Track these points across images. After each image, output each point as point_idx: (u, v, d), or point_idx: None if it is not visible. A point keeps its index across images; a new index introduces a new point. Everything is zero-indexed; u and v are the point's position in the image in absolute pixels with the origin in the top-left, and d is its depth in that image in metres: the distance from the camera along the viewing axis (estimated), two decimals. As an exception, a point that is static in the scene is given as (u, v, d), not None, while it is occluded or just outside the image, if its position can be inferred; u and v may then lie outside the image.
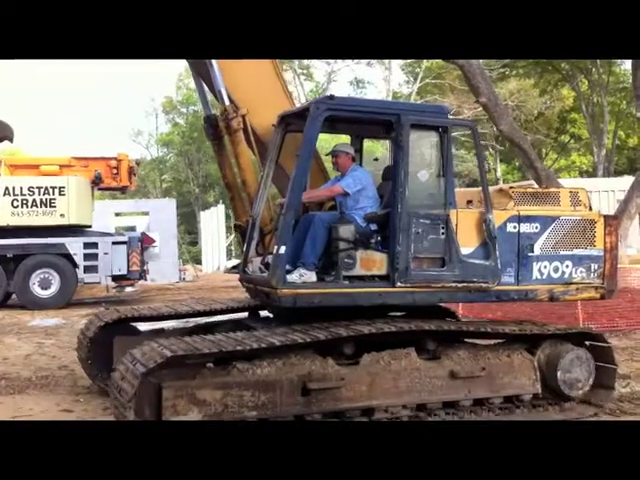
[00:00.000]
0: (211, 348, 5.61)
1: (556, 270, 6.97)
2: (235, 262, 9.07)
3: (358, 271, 6.39)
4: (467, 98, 29.95)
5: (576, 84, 34.96)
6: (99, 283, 18.50)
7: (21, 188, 16.57)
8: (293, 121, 6.90)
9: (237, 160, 7.18)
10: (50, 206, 16.67)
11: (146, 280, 19.62)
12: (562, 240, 6.98)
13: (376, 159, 7.47)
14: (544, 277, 6.92)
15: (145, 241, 18.13)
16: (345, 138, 7.65)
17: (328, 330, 6.05)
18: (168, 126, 49.73)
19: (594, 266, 7.10)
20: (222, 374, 5.76)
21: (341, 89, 68.06)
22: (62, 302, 16.36)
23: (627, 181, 18.64)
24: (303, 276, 6.30)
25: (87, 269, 16.92)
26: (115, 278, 17.98)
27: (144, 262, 17.91)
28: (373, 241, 6.49)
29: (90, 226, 17.94)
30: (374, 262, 6.44)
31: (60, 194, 16.72)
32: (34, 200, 16.58)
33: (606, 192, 24.09)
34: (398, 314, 7.12)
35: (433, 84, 35.67)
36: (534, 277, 6.88)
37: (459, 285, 6.56)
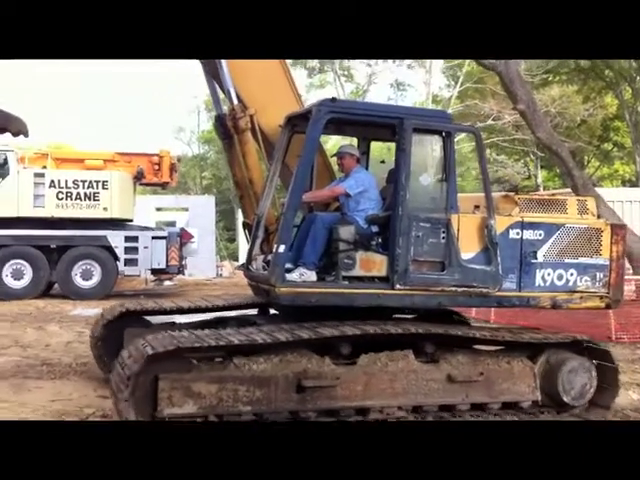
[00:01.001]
0: (193, 343, 5.54)
1: (560, 278, 6.75)
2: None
3: (357, 272, 6.26)
4: (507, 103, 28.86)
5: (620, 92, 33.77)
6: (139, 276, 18.66)
7: (66, 181, 16.67)
8: (299, 122, 6.77)
9: (244, 159, 7.12)
10: (94, 199, 16.80)
11: (184, 275, 19.67)
12: (567, 248, 6.77)
13: (383, 162, 7.32)
14: (547, 284, 6.71)
15: (184, 236, 18.16)
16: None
17: (323, 329, 5.92)
18: (209, 124, 49.70)
19: (599, 275, 6.87)
20: (218, 368, 5.68)
21: (381, 91, 67.87)
22: (103, 293, 16.43)
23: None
24: (303, 275, 6.19)
25: (127, 262, 17.01)
26: (154, 272, 18.11)
27: (183, 257, 17.94)
28: (373, 243, 6.36)
29: (131, 220, 18.01)
30: (374, 263, 6.30)
31: (103, 188, 16.86)
32: (78, 193, 16.71)
33: None
34: (407, 316, 6.99)
35: (474, 88, 34.77)
36: (537, 284, 6.67)
37: (459, 289, 6.39)
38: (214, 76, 7.32)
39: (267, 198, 6.94)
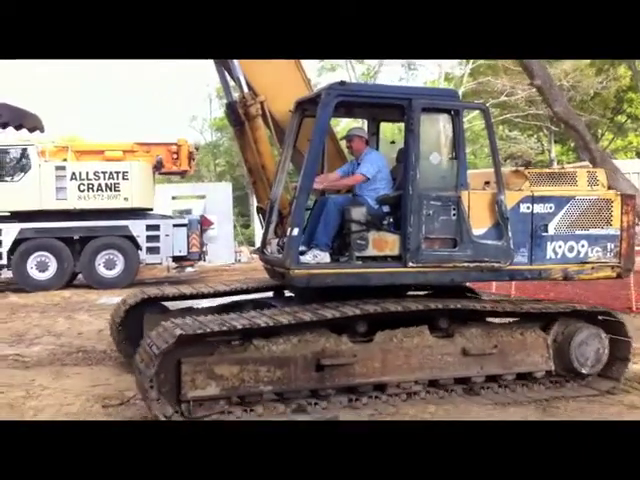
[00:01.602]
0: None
1: (571, 250, 6.70)
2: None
3: (371, 252, 6.25)
4: (520, 79, 28.42)
5: (633, 63, 32.31)
6: (160, 264, 18.55)
7: (87, 173, 16.57)
8: (309, 107, 6.73)
9: (256, 145, 7.09)
10: (114, 190, 16.67)
11: (205, 261, 19.63)
12: (578, 220, 6.72)
13: (393, 142, 7.27)
14: (558, 257, 6.67)
15: (204, 223, 18.10)
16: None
17: (346, 308, 5.94)
18: (221, 111, 49.39)
19: (610, 245, 6.81)
20: (239, 350, 5.72)
21: (392, 71, 67.09)
22: (126, 282, 16.35)
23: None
24: (317, 257, 6.18)
25: (149, 250, 16.94)
26: (176, 259, 17.99)
27: (203, 244, 17.87)
28: (385, 222, 6.34)
29: (152, 209, 17.90)
30: (386, 243, 6.28)
31: (124, 179, 16.72)
32: (99, 184, 16.59)
33: None
34: (420, 293, 6.98)
35: (487, 65, 33.72)
36: (548, 257, 6.63)
37: (471, 265, 6.36)
38: (223, 64, 7.27)
39: (280, 183, 6.92)
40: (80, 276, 17.00)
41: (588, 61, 32.08)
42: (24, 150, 16.31)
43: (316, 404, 5.89)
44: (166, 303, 7.94)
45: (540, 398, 6.35)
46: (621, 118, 38.96)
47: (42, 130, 13.34)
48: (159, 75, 72.43)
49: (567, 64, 31.16)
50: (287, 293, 7.44)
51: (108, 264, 16.57)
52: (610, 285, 10.75)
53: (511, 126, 37.48)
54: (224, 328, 5.54)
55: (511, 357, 6.48)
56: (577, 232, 6.73)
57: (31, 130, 15.22)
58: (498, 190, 6.38)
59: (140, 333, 7.18)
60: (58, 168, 16.52)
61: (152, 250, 16.99)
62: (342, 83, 6.22)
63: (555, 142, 38.27)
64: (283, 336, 5.83)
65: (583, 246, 6.74)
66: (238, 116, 7.16)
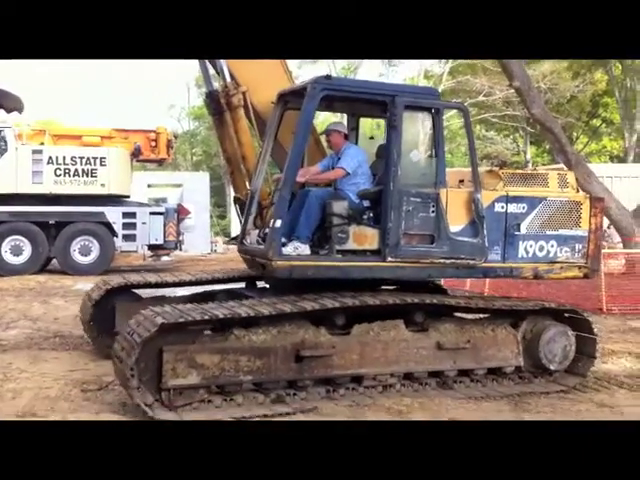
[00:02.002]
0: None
1: (541, 249, 6.82)
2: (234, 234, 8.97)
3: (351, 245, 6.28)
4: (499, 79, 28.55)
5: (609, 68, 33.36)
6: (136, 252, 18.37)
7: (64, 157, 16.37)
8: (292, 99, 6.72)
9: (237, 136, 7.02)
10: (91, 176, 16.49)
11: (181, 250, 19.44)
12: (548, 220, 6.83)
13: (372, 137, 7.30)
14: (530, 255, 6.78)
15: (181, 212, 17.91)
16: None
17: (335, 299, 5.98)
18: (200, 100, 48.68)
19: (578, 246, 6.94)
20: (220, 340, 5.70)
21: (373, 67, 66.86)
22: (101, 269, 16.10)
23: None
24: (297, 249, 6.18)
25: (125, 238, 16.78)
26: (151, 247, 17.84)
27: (180, 233, 17.72)
28: (365, 217, 6.37)
29: (129, 196, 17.71)
30: (366, 237, 6.32)
31: (101, 164, 16.55)
32: (76, 169, 16.40)
33: (636, 178, 22.57)
34: (390, 288, 7.02)
35: (466, 64, 33.86)
36: (520, 255, 6.74)
37: (447, 261, 6.43)
38: None
39: (260, 174, 6.88)
40: (54, 261, 16.77)
41: (566, 64, 32.43)
42: (1, 132, 16.04)
43: (295, 394, 5.91)
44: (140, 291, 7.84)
45: (511, 393, 6.45)
46: (596, 122, 39.33)
47: (20, 112, 13.08)
48: (137, 62, 71.29)
49: (545, 66, 31.41)
50: (260, 284, 7.42)
51: (83, 250, 16.40)
52: (582, 286, 10.96)
53: (488, 126, 37.72)
54: (206, 317, 5.51)
55: (483, 352, 6.57)
56: (547, 232, 6.83)
57: (9, 111, 14.89)
58: (475, 189, 6.45)
59: (110, 317, 7.21)
60: (35, 152, 16.33)
61: (128, 237, 16.86)
62: (328, 77, 6.22)
63: (531, 143, 38.60)
64: (263, 326, 5.82)
65: (553, 246, 6.85)
66: (218, 105, 7.09)
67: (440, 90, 32.76)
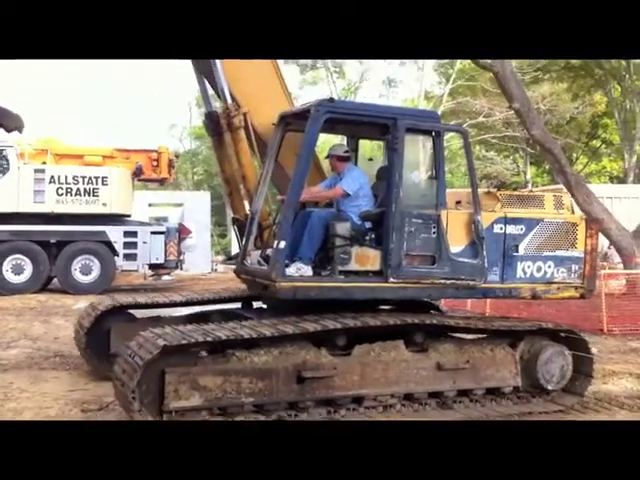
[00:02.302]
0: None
1: (539, 270, 6.82)
2: (232, 254, 8.88)
3: (353, 266, 6.23)
4: (499, 101, 28.61)
5: (609, 90, 33.39)
6: (137, 271, 18.20)
7: (66, 177, 16.26)
8: (293, 121, 6.73)
9: (238, 157, 6.99)
10: (93, 195, 16.39)
11: (182, 269, 19.27)
12: (545, 241, 6.83)
13: (371, 159, 7.31)
14: (527, 276, 6.77)
15: (182, 232, 17.75)
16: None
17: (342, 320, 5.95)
18: (201, 119, 47.74)
19: (575, 267, 6.95)
20: (222, 361, 5.65)
21: (373, 88, 66.94)
22: (102, 288, 15.91)
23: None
24: (300, 270, 6.15)
25: (126, 257, 16.61)
26: (152, 266, 17.65)
27: (181, 252, 17.56)
28: (368, 238, 6.33)
29: (130, 215, 17.57)
30: (368, 258, 6.28)
31: (103, 184, 16.45)
32: (78, 189, 16.29)
33: (636, 198, 22.36)
34: (387, 308, 7.00)
35: (466, 86, 34.12)
36: (518, 276, 6.73)
37: (448, 282, 6.41)
38: (206, 75, 7.16)
39: (261, 195, 6.86)
40: (55, 280, 16.63)
41: (565, 86, 32.41)
42: (3, 152, 15.95)
43: (296, 415, 5.86)
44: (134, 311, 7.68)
45: (510, 413, 6.42)
46: (596, 143, 39.25)
47: (21, 131, 12.98)
48: (142, 80, 71.67)
49: (545, 88, 31.45)
50: (256, 304, 7.36)
51: (84, 269, 16.25)
52: (582, 307, 10.90)
53: (488, 147, 37.70)
54: (208, 339, 5.47)
55: (482, 372, 6.54)
56: (545, 253, 6.83)
57: (10, 130, 14.81)
58: (475, 210, 6.45)
59: (106, 341, 7.08)
60: (37, 171, 16.26)
61: (129, 257, 16.71)
62: (331, 100, 6.25)
63: (530, 164, 38.45)
64: (264, 348, 5.78)
65: (550, 267, 6.85)
66: (217, 126, 7.07)
67: (440, 111, 33.15)
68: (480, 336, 6.90)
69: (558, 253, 6.88)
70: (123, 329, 6.89)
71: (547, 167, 36.59)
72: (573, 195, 14.56)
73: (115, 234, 16.54)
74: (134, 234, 16.81)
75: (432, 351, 6.40)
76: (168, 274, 19.06)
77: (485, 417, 6.28)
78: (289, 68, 36.20)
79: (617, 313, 11.45)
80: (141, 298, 7.50)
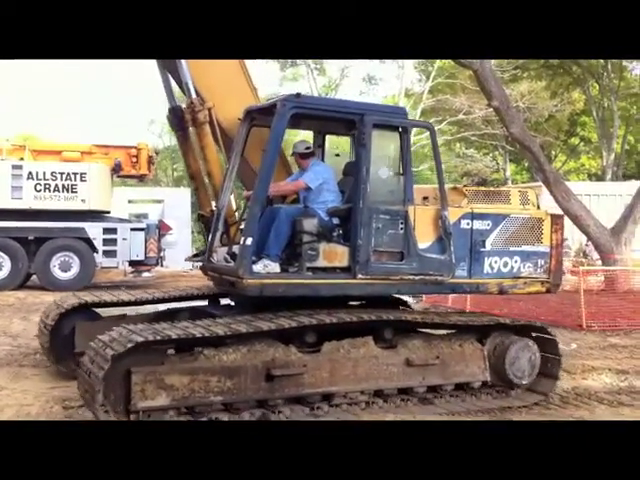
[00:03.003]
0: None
1: (505, 265, 6.71)
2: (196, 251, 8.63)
3: (321, 263, 6.07)
4: (478, 98, 28.23)
5: (587, 88, 33.32)
6: (117, 268, 17.70)
7: (44, 173, 15.78)
8: (258, 116, 6.53)
9: (203, 152, 6.77)
10: (71, 191, 15.90)
11: (162, 266, 18.92)
12: (512, 236, 6.73)
13: (337, 155, 7.14)
14: (494, 271, 6.66)
15: (162, 228, 17.34)
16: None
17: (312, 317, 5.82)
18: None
19: (541, 262, 6.86)
20: (189, 360, 5.47)
21: (354, 85, 66.47)
22: (81, 285, 15.32)
23: (635, 185, 17.37)
24: (267, 267, 5.97)
25: (106, 253, 16.17)
26: (132, 263, 17.23)
27: (161, 249, 17.16)
28: (335, 234, 6.17)
29: (109, 212, 17.13)
30: (336, 254, 6.12)
31: (81, 180, 15.97)
32: (56, 185, 15.80)
33: (614, 196, 22.20)
34: (355, 303, 6.86)
35: (445, 83, 33.86)
36: (485, 271, 6.62)
37: (416, 278, 6.27)
38: (170, 70, 6.94)
39: (226, 191, 6.65)
40: (34, 277, 16.21)
41: (544, 84, 32.32)
42: None
43: (264, 414, 5.70)
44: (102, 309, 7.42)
45: (490, 407, 6.34)
46: (574, 141, 39.26)
47: None
48: (123, 75, 70.83)
49: (523, 86, 31.29)
50: (223, 301, 7.18)
51: (63, 266, 15.80)
52: (562, 302, 10.90)
53: (467, 144, 37.51)
54: (182, 336, 5.29)
55: (451, 368, 6.42)
56: (511, 248, 6.73)
57: None
58: (442, 206, 6.31)
59: (70, 340, 6.84)
60: (15, 167, 15.76)
61: (109, 253, 16.25)
62: (298, 95, 6.03)
63: (510, 161, 38.38)
64: (233, 346, 5.61)
65: (516, 262, 6.76)
66: (182, 121, 6.84)
67: (420, 108, 33.01)
68: (449, 332, 6.77)
69: (524, 248, 6.78)
70: (88, 327, 6.66)
71: (526, 164, 36.62)
72: (552, 192, 14.56)
73: (94, 231, 16.12)
74: (114, 231, 16.39)
75: (401, 347, 6.26)
76: (148, 271, 18.65)
77: (467, 412, 6.20)
78: (268, 65, 35.93)
79: (596, 309, 11.41)
80: (106, 296, 7.20)
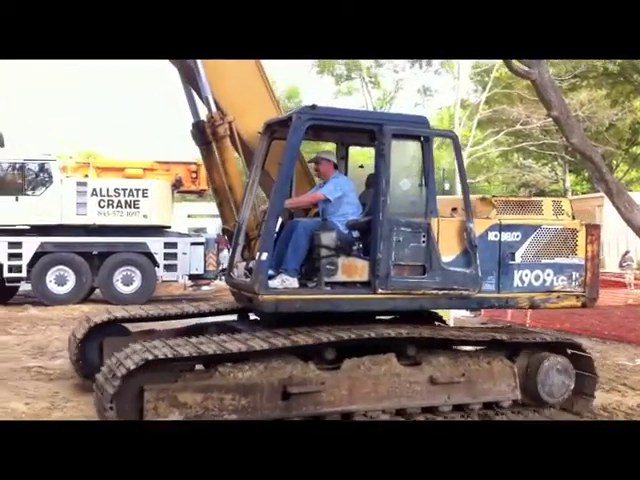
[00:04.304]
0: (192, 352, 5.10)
1: (537, 278, 6.19)
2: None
3: (340, 277, 5.73)
4: (536, 108, 27.36)
5: None
6: (177, 281, 17.63)
7: (107, 189, 15.89)
8: (278, 129, 6.25)
9: (224, 166, 6.49)
10: (134, 207, 15.99)
11: (221, 280, 18.87)
12: (544, 249, 6.22)
13: (361, 166, 6.77)
14: (525, 285, 6.16)
15: (221, 242, 17.05)
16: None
17: (310, 335, 5.46)
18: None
19: (575, 274, 6.31)
20: (204, 377, 5.22)
21: (408, 97, 65.75)
22: (143, 298, 15.24)
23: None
24: (285, 282, 5.67)
25: (166, 268, 16.10)
26: (192, 277, 17.18)
27: (219, 263, 16.90)
28: (355, 248, 5.82)
29: (170, 227, 17.15)
30: (356, 269, 5.76)
31: (143, 196, 16.03)
32: (119, 201, 15.92)
33: None
34: (385, 318, 6.46)
35: (502, 93, 32.46)
36: (515, 285, 6.12)
37: (440, 292, 5.84)
38: (191, 83, 6.72)
39: (247, 205, 6.37)
40: (98, 291, 16.32)
41: (604, 92, 30.78)
42: (46, 165, 15.71)
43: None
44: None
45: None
46: (636, 150, 37.11)
47: (2, 145, 12.35)
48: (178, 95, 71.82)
49: (583, 95, 29.86)
50: (252, 316, 6.88)
51: (126, 280, 15.82)
52: (625, 317, 10.24)
53: (525, 154, 36.10)
54: (194, 354, 5.06)
55: (478, 386, 5.93)
56: (543, 261, 6.22)
57: None
58: (467, 218, 5.87)
59: (98, 354, 6.67)
60: (79, 184, 15.88)
61: (169, 267, 16.17)
62: (313, 107, 5.73)
63: (570, 171, 36.60)
64: (249, 362, 5.32)
65: (549, 275, 6.24)
66: (204, 136, 6.59)
67: (477, 119, 32.14)
68: (478, 348, 6.28)
69: (558, 260, 6.26)
70: (115, 343, 6.47)
71: (587, 175, 34.98)
72: (614, 203, 13.81)
73: (156, 245, 16.09)
74: (174, 245, 16.33)
75: (425, 364, 5.83)
76: (207, 284, 18.64)
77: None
78: (323, 78, 35.63)
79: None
80: (135, 311, 7.06)
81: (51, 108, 70.58)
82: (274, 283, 5.63)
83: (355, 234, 5.92)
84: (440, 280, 5.80)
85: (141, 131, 68.57)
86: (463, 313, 11.90)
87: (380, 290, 5.69)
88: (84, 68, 62.13)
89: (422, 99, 38.26)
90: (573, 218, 6.45)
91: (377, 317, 6.35)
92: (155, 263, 15.99)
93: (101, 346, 6.69)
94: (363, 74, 35.61)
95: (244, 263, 6.21)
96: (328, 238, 5.75)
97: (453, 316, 9.77)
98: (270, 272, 5.71)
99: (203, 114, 6.73)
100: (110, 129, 68.70)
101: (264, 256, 5.54)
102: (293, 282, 5.71)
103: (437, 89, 38.00)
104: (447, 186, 30.70)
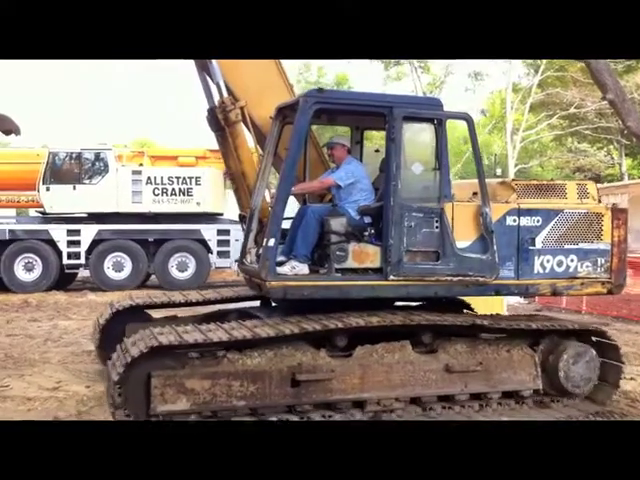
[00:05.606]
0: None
1: (560, 264, 5.70)
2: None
3: (350, 264, 5.41)
4: (590, 91, 26.19)
5: None
6: (229, 268, 17.32)
7: (162, 178, 15.87)
8: (290, 113, 5.91)
9: (236, 152, 6.19)
10: (187, 195, 15.94)
11: None
12: (567, 233, 5.72)
13: (377, 150, 6.38)
14: (546, 271, 5.68)
15: None
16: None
17: (321, 322, 5.17)
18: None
19: (601, 260, 5.79)
20: (211, 364, 5.02)
21: (459, 82, 63.75)
22: (197, 284, 14.87)
23: None
24: (295, 268, 5.40)
25: (219, 254, 16.04)
26: None
27: None
28: (366, 234, 5.48)
29: (222, 214, 16.95)
30: (367, 255, 5.43)
31: (197, 184, 15.97)
32: (173, 189, 15.89)
33: None
34: (409, 304, 6.11)
35: (555, 76, 30.93)
36: (535, 271, 5.65)
37: (454, 279, 5.45)
38: (204, 68, 6.44)
39: (260, 190, 6.08)
40: (153, 277, 16.43)
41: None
42: (102, 154, 15.79)
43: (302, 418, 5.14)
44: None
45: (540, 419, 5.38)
46: None
47: (18, 133, 12.26)
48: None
49: (639, 77, 28.45)
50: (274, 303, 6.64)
51: (180, 266, 15.84)
52: None
53: (580, 138, 34.39)
54: (200, 340, 4.86)
55: (496, 375, 5.52)
56: (566, 246, 5.72)
57: (6, 133, 14.29)
58: (483, 202, 5.44)
59: (120, 340, 6.58)
60: (134, 172, 15.91)
61: (222, 254, 16.08)
62: (320, 90, 5.42)
63: (626, 155, 34.64)
64: (258, 349, 5.09)
65: (572, 261, 5.73)
66: (218, 121, 6.32)
67: (529, 103, 30.84)
68: (498, 336, 5.84)
69: (582, 246, 5.75)
70: (137, 329, 6.36)
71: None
72: None
73: (209, 232, 16.06)
74: (227, 232, 16.20)
75: (441, 352, 5.47)
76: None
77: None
78: (372, 64, 34.66)
79: None
80: (158, 298, 6.92)
81: (102, 98, 71.62)
82: (284, 269, 5.37)
83: (367, 220, 5.59)
84: (454, 266, 5.41)
85: (191, 121, 69.28)
86: (516, 300, 11.38)
87: (392, 276, 5.35)
88: (83, 68, 62.56)
89: (473, 84, 36.80)
90: (599, 202, 5.91)
91: (396, 304, 6.01)
92: (209, 250, 15.93)
93: (124, 332, 6.57)
94: (412, 60, 34.59)
95: (256, 249, 5.95)
96: (338, 224, 5.44)
97: (506, 303, 9.27)
98: (282, 258, 5.47)
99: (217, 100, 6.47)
100: (161, 118, 69.38)
101: (271, 242, 5.28)
102: (303, 268, 5.44)
103: (488, 73, 36.42)
104: (499, 171, 29.71)
